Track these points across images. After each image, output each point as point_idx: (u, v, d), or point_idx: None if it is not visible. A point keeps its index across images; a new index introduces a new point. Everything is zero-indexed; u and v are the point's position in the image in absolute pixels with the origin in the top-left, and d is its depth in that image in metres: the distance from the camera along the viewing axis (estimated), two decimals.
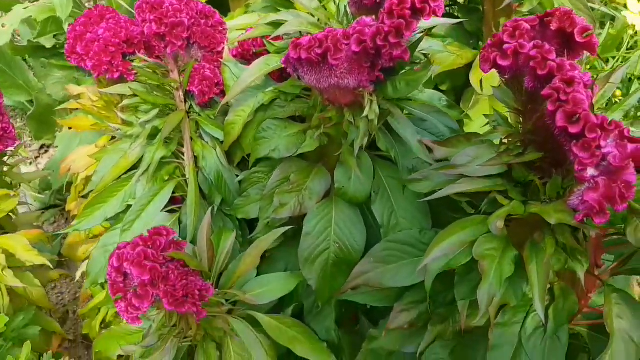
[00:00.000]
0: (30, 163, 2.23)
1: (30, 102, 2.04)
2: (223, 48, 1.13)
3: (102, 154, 1.16)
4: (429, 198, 0.73)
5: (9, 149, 1.23)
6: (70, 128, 1.54)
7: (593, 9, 1.09)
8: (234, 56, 1.15)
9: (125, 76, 1.14)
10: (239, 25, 1.19)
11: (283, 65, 0.85)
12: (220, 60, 1.12)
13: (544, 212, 0.67)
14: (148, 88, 1.11)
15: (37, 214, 1.60)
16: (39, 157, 2.28)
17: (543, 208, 0.68)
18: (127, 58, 1.15)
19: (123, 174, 1.09)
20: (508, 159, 0.71)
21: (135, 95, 1.10)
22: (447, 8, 1.41)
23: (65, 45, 1.15)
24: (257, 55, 1.15)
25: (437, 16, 0.77)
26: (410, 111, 0.92)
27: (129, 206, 1.07)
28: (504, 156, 0.71)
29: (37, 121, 1.89)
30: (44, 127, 1.94)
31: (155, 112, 1.09)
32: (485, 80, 1.03)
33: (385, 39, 0.75)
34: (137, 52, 1.14)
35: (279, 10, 1.20)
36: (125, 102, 1.11)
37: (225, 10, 1.61)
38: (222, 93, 1.12)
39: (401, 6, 0.75)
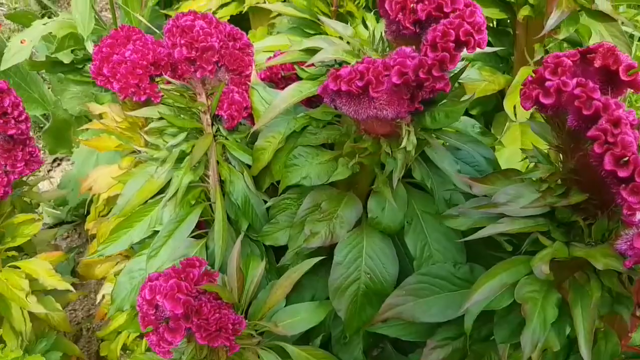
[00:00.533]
0: (43, 176, 2.22)
1: (44, 115, 2.03)
2: (251, 71, 1.12)
3: (127, 177, 1.14)
4: (468, 238, 0.72)
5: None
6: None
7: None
8: (262, 79, 1.14)
9: (151, 98, 1.12)
10: (266, 47, 1.18)
11: (318, 93, 0.84)
12: (248, 83, 1.11)
13: (590, 256, 0.66)
14: (175, 111, 1.10)
15: (54, 231, 1.58)
16: (52, 170, 2.27)
17: (589, 252, 0.66)
18: (154, 79, 1.14)
19: (149, 199, 1.08)
20: (552, 201, 0.69)
21: (161, 118, 1.09)
22: None
23: (91, 67, 1.14)
24: (286, 78, 1.14)
25: (481, 48, 0.75)
26: (445, 140, 0.91)
27: (155, 231, 1.05)
28: (547, 197, 0.70)
29: (53, 136, 1.89)
30: (59, 142, 1.93)
31: (182, 136, 1.08)
32: (519, 107, 1.01)
33: (428, 72, 0.74)
34: (163, 73, 1.13)
35: (306, 32, 1.19)
36: (152, 125, 1.10)
37: (246, 26, 1.60)
38: (250, 116, 1.11)
39: (445, 39, 0.73)
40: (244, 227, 1.08)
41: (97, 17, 1.62)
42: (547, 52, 1.00)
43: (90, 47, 1.42)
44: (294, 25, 1.19)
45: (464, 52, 0.76)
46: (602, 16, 0.95)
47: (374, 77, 0.75)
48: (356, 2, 1.13)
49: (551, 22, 0.90)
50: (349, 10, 1.11)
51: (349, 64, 0.89)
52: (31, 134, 2.33)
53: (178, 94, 1.08)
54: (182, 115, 1.10)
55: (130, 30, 1.17)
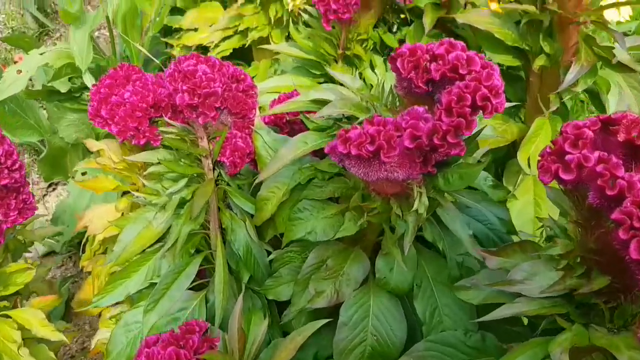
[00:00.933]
0: (38, 201, 2.17)
1: (41, 141, 1.98)
2: (254, 114, 1.09)
3: (124, 221, 1.10)
4: (483, 319, 0.68)
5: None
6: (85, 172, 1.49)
7: None
8: (266, 122, 1.10)
9: (151, 141, 1.09)
10: (271, 88, 1.14)
11: (325, 152, 0.80)
12: (252, 127, 1.07)
13: (612, 346, 0.62)
14: (175, 154, 1.06)
15: (48, 265, 1.54)
16: (47, 195, 2.23)
17: (612, 341, 0.62)
18: (154, 121, 1.11)
19: (147, 247, 1.04)
20: (572, 284, 0.65)
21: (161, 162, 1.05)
22: None
23: (89, 107, 1.10)
24: (291, 123, 1.11)
25: (499, 112, 0.72)
26: (456, 197, 0.87)
27: (153, 283, 1.01)
28: (567, 279, 0.65)
29: (49, 164, 1.85)
30: (55, 169, 1.89)
31: (183, 182, 1.04)
32: (533, 159, 0.98)
33: (442, 139, 0.70)
34: (164, 115, 1.10)
35: (312, 72, 1.16)
36: (151, 169, 1.06)
37: (249, 57, 1.57)
38: (253, 161, 1.07)
39: (461, 104, 0.70)
40: (245, 278, 1.04)
41: (95, 45, 1.59)
42: (562, 102, 0.96)
43: (88, 80, 1.38)
44: (299, 64, 1.16)
45: None
46: (620, 66, 0.91)
47: (385, 142, 0.71)
48: (364, 45, 1.09)
49: (570, 77, 0.87)
50: (356, 54, 1.07)
51: (358, 118, 0.86)
52: (27, 158, 2.29)
53: (179, 138, 1.04)
54: (182, 160, 1.06)
55: (130, 69, 1.13)
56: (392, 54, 0.78)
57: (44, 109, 1.89)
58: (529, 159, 0.98)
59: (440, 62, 0.74)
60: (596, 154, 0.62)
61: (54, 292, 1.41)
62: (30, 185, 2.25)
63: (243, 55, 1.52)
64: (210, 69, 1.01)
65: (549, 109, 0.97)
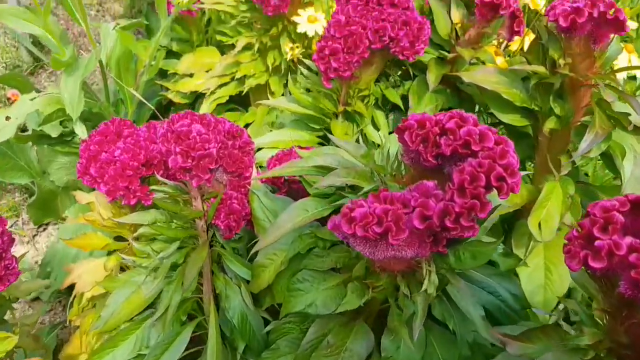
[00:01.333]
0: (28, 242, 2.11)
1: (33, 182, 1.93)
2: (251, 172, 1.04)
3: (112, 283, 1.05)
4: None
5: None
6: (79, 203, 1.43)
7: None
8: (263, 181, 1.05)
9: (142, 201, 1.04)
10: (268, 144, 1.09)
11: (329, 229, 0.75)
12: (248, 186, 1.02)
13: None
14: (167, 215, 1.01)
15: (35, 316, 1.47)
16: (37, 235, 2.16)
17: None
18: (146, 179, 1.06)
19: (136, 314, 0.98)
20: None
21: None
22: (492, 127, 1.32)
23: (77, 165, 1.05)
24: (289, 182, 1.06)
25: (515, 193, 0.67)
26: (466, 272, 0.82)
27: (141, 354, 0.95)
28: None
29: (39, 207, 1.79)
30: (45, 213, 1.83)
31: (175, 245, 0.98)
32: (544, 224, 0.93)
33: (455, 221, 0.65)
34: (156, 172, 1.05)
35: (311, 127, 1.11)
36: (141, 230, 1.00)
37: (246, 103, 1.53)
38: (250, 222, 1.02)
39: (475, 184, 0.65)
40: (240, 348, 0.98)
41: (87, 89, 1.54)
42: (576, 167, 0.92)
43: (79, 130, 1.33)
44: (297, 118, 1.11)
45: None
46: (635, 130, 0.87)
47: (393, 223, 0.66)
48: (365, 101, 1.05)
49: (584, 145, 0.82)
50: (357, 110, 1.03)
51: (362, 188, 0.81)
52: (18, 197, 2.23)
53: (171, 199, 0.99)
54: (174, 221, 1.01)
55: (122, 124, 1.09)
56: (399, 125, 0.73)
57: (35, 151, 1.84)
58: (540, 225, 0.93)
59: (451, 136, 0.69)
60: (628, 240, 0.57)
61: (40, 347, 1.35)
62: (21, 225, 2.19)
63: (240, 100, 1.48)
64: (205, 128, 0.97)
65: (560, 171, 0.92)
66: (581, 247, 0.61)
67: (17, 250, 2.12)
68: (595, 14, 0.81)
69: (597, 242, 0.58)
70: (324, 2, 1.32)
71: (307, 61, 1.07)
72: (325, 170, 0.84)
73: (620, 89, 0.84)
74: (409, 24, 0.97)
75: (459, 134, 0.69)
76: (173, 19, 1.46)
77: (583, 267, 0.64)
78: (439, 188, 0.70)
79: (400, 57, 0.98)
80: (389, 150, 0.83)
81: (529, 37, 1.13)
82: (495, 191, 0.67)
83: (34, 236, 2.18)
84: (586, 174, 1.24)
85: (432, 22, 1.05)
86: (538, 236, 0.91)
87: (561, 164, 0.93)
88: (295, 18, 1.25)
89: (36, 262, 2.04)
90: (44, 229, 2.20)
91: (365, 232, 0.67)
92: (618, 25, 0.81)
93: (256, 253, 0.92)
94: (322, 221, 0.91)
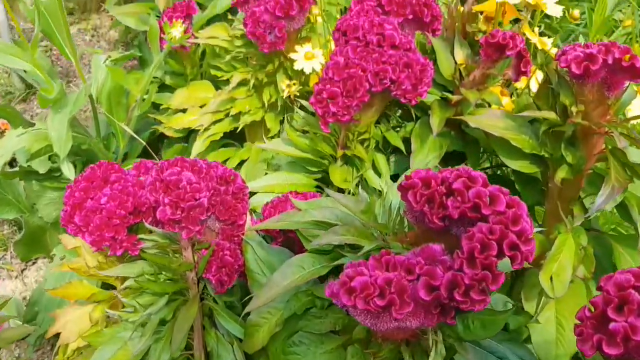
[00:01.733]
0: (16, 277, 2.04)
1: (21, 216, 1.87)
2: (244, 220, 0.98)
3: (97, 338, 0.99)
4: None
5: None
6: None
7: None
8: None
9: (129, 251, 0.98)
10: (263, 187, 1.04)
11: (327, 296, 0.69)
12: (241, 235, 0.97)
13: None
14: (155, 268, 0.95)
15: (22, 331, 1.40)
16: (26, 269, 2.10)
17: None
18: (133, 227, 1.00)
19: None
20: None
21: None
22: (498, 170, 1.28)
23: (62, 213, 1.00)
24: (285, 232, 1.00)
25: (529, 262, 0.62)
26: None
27: None
28: None
29: (26, 244, 1.73)
30: (33, 249, 1.77)
31: (163, 300, 0.92)
32: (556, 278, 0.87)
33: (465, 294, 0.59)
34: (144, 220, 0.99)
35: (308, 169, 1.06)
36: (128, 283, 0.95)
37: (241, 139, 1.48)
38: (243, 275, 0.96)
39: (486, 254, 0.60)
40: None
41: (77, 124, 1.49)
42: (587, 214, 0.87)
43: (66, 170, 1.28)
44: (293, 160, 1.06)
45: None
46: None
47: (397, 296, 0.61)
48: (365, 144, 1.00)
49: (600, 200, 0.77)
50: (357, 154, 0.98)
51: (362, 247, 0.75)
52: (7, 230, 2.17)
53: (160, 249, 0.93)
54: (163, 273, 0.95)
55: (109, 168, 1.03)
56: (402, 183, 0.68)
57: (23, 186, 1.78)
58: (551, 279, 0.87)
59: (459, 198, 0.64)
60: None
61: None
62: (9, 259, 2.13)
63: (235, 136, 1.43)
64: (196, 175, 0.92)
65: (572, 222, 0.87)
66: (594, 328, 0.55)
67: (4, 285, 2.05)
68: (610, 61, 0.76)
69: (611, 325, 0.53)
70: (322, 37, 1.28)
71: (304, 102, 1.02)
72: (323, 225, 0.78)
73: (633, 136, 0.79)
74: (411, 66, 0.92)
75: (468, 196, 0.63)
76: (166, 53, 1.42)
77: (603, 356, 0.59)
78: (446, 252, 0.65)
79: (402, 100, 0.93)
80: (390, 205, 0.78)
81: (536, 76, 1.09)
82: None
83: (22, 270, 2.11)
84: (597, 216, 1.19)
85: (434, 61, 1.01)
86: (550, 292, 0.85)
87: (574, 214, 0.88)
88: (292, 55, 1.20)
89: (24, 298, 1.98)
90: (33, 263, 2.14)
91: (367, 305, 0.61)
92: (634, 72, 0.76)
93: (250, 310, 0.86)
94: (320, 278, 0.86)
